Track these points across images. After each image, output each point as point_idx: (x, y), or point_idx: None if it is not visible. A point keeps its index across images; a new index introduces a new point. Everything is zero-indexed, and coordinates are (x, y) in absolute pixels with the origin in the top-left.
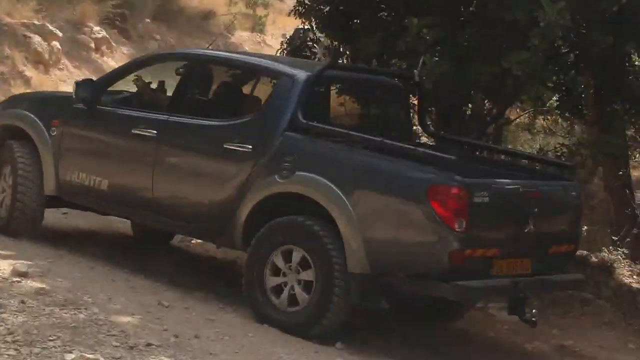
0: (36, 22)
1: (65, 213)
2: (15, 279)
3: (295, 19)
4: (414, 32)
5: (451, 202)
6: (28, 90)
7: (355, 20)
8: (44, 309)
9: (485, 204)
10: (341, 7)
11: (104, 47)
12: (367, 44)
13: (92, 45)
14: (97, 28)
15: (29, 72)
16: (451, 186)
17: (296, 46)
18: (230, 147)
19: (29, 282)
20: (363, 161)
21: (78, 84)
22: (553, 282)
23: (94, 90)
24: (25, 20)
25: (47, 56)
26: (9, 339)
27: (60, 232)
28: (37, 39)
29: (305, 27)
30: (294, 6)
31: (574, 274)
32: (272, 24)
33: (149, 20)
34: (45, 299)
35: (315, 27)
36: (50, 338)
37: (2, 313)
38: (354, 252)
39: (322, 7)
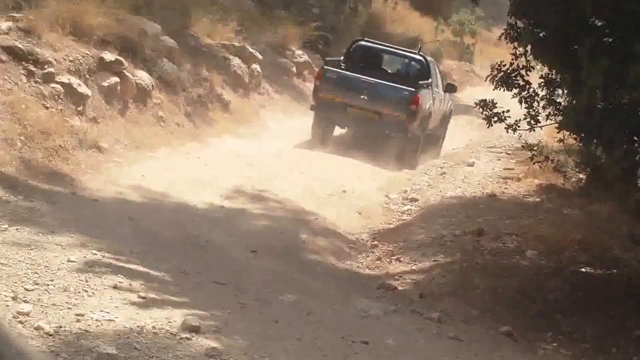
0: (236, 44)
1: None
2: (184, 335)
3: (506, 43)
4: None
5: (317, 75)
6: (225, 114)
7: (576, 46)
8: None
9: (333, 79)
10: (560, 31)
11: (305, 72)
12: (591, 73)
13: (294, 69)
14: (299, 52)
15: (228, 95)
16: (319, 68)
17: (507, 73)
18: None
19: (200, 339)
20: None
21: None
22: (376, 126)
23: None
24: (225, 42)
25: (246, 79)
26: None
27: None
28: (236, 61)
29: (518, 52)
30: (504, 30)
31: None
32: (480, 54)
33: None
34: None
35: (530, 53)
36: None
37: None
38: None
39: (537, 30)
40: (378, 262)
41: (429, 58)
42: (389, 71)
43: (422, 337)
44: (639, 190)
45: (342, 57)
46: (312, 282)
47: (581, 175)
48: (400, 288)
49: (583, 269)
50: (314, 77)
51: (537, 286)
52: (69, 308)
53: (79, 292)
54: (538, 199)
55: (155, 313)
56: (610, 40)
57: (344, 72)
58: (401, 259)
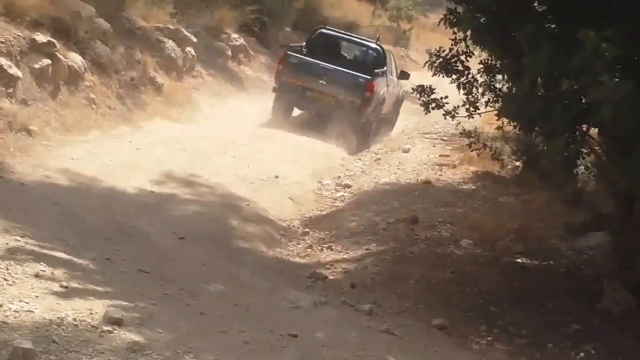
0: (171, 26)
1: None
2: (106, 328)
3: (446, 28)
4: (589, 47)
5: (280, 60)
6: (158, 98)
7: (517, 32)
8: None
9: (294, 64)
10: (501, 17)
11: (241, 55)
12: (533, 61)
13: (229, 52)
14: (235, 35)
15: (161, 78)
16: (283, 54)
17: (447, 59)
18: None
19: (122, 332)
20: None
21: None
22: (333, 109)
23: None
24: (160, 25)
25: (180, 62)
26: None
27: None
28: (170, 44)
29: (457, 38)
30: (444, 15)
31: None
32: (416, 39)
33: (289, 29)
34: (137, 359)
35: (469, 39)
36: None
37: None
38: None
39: (477, 15)
40: (309, 250)
41: (385, 47)
42: (348, 58)
43: (353, 331)
44: (577, 180)
45: (304, 44)
46: (240, 271)
47: (517, 163)
48: (331, 277)
49: (519, 260)
50: (249, 60)
51: (471, 277)
52: None
53: None
54: (473, 187)
55: (77, 304)
56: (553, 26)
57: (305, 58)
58: (332, 247)
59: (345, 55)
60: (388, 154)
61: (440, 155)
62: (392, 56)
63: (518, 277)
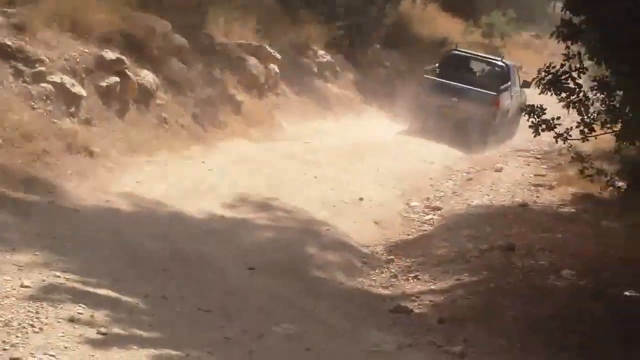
0: (254, 43)
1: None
2: None
3: (558, 42)
4: None
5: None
6: (236, 116)
7: None
8: None
9: (429, 84)
10: (626, 31)
11: (327, 73)
12: None
13: (315, 69)
14: (321, 52)
15: (240, 96)
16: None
17: (557, 75)
18: None
19: None
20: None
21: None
22: (464, 123)
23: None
24: (242, 41)
25: (262, 80)
26: None
27: None
28: (252, 61)
29: (571, 53)
30: (556, 27)
31: None
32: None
33: (379, 45)
34: None
35: (584, 54)
36: None
37: None
38: None
39: (601, 28)
40: (393, 279)
41: (509, 62)
42: (476, 75)
43: None
44: None
45: (437, 65)
46: (315, 306)
47: (620, 184)
48: (416, 311)
49: (627, 293)
50: (335, 78)
51: (575, 312)
52: (4, 349)
53: (23, 328)
54: (573, 210)
55: (115, 355)
56: None
57: (438, 79)
58: (419, 277)
59: (474, 71)
60: (480, 173)
61: (535, 175)
62: (515, 69)
63: (627, 313)
